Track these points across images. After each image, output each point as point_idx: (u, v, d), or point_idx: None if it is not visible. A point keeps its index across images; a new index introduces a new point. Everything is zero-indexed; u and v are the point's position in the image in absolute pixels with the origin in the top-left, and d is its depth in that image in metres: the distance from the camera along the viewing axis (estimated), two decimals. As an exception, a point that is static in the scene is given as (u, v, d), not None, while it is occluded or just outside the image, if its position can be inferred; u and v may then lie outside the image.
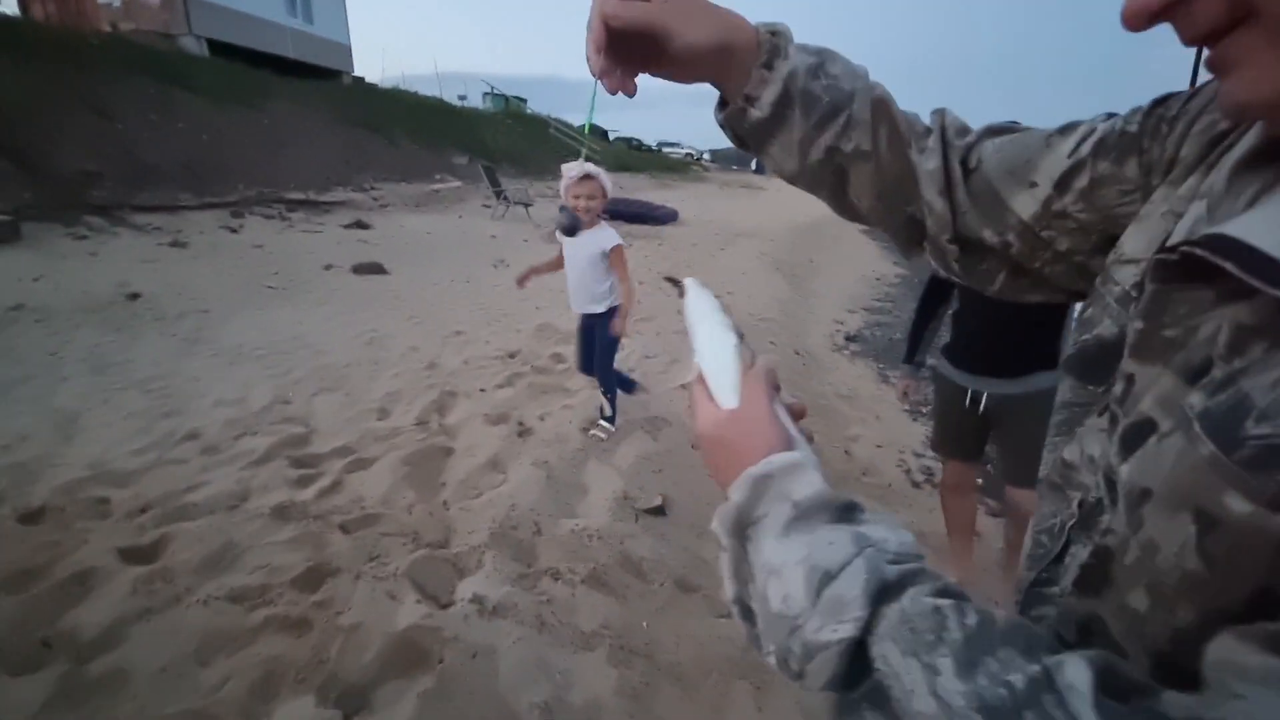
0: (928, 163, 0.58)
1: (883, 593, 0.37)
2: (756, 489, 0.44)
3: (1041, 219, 0.54)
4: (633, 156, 30.80)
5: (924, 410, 4.20)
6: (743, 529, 0.44)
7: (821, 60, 0.58)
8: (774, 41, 0.58)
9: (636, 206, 13.99)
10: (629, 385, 3.56)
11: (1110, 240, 0.50)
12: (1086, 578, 0.41)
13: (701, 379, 0.52)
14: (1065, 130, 0.54)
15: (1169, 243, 0.41)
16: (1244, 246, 0.32)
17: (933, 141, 0.58)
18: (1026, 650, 0.33)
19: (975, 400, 2.28)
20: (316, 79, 16.40)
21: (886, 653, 0.35)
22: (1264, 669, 0.27)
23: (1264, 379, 0.31)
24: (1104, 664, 0.31)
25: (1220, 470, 0.31)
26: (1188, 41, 0.34)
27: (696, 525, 2.70)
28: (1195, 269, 0.35)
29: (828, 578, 0.38)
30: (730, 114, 0.61)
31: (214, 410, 3.42)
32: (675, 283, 0.60)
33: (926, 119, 0.61)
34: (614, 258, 3.16)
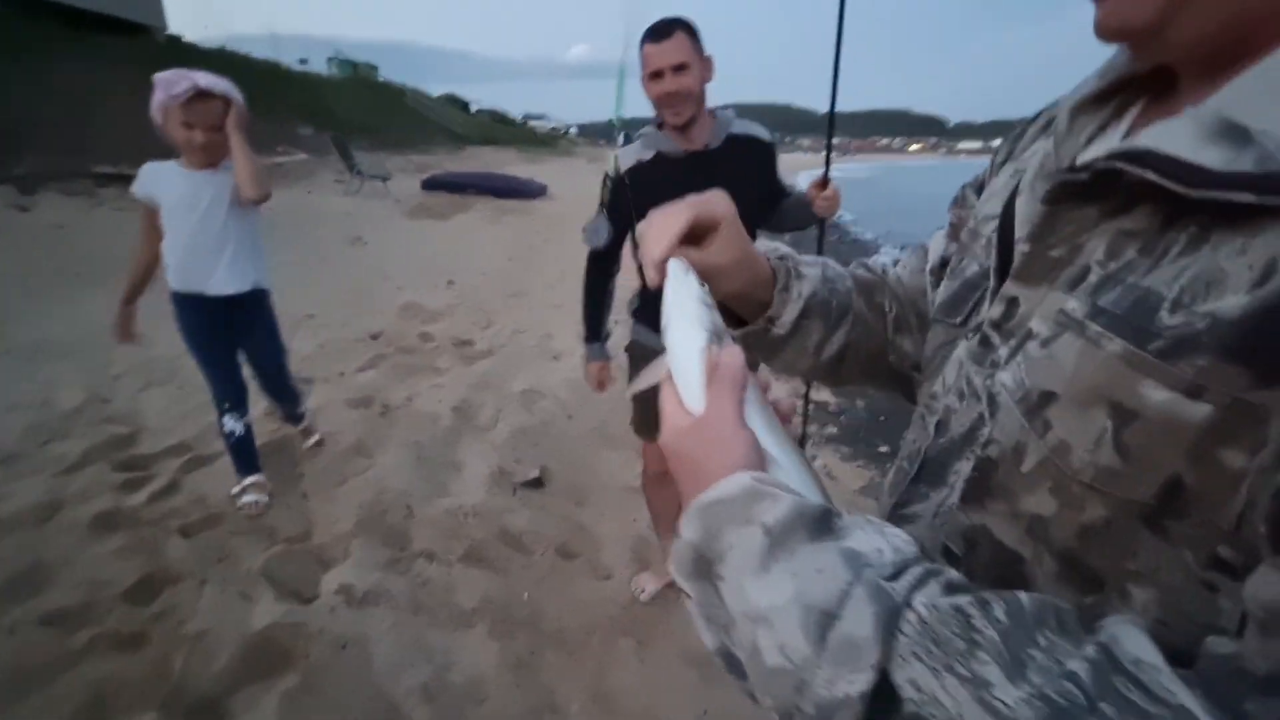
0: (902, 342, 0.65)
1: (894, 619, 0.31)
2: (710, 520, 0.38)
3: (937, 274, 0.63)
4: (498, 129, 29.79)
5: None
6: (708, 569, 0.38)
7: (824, 268, 0.63)
8: (786, 265, 0.61)
9: (503, 181, 13.60)
10: (294, 400, 2.65)
11: None
12: (971, 491, 0.43)
13: (670, 379, 0.46)
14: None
15: (1061, 166, 0.43)
16: (1164, 157, 0.33)
17: (889, 304, 0.66)
18: (1062, 628, 0.30)
19: None
20: (119, 34, 14.26)
21: (915, 677, 0.30)
22: None
23: (1164, 274, 0.33)
24: (1141, 624, 0.29)
25: (1135, 363, 0.33)
26: None
27: (575, 494, 2.71)
28: (1086, 188, 0.38)
29: (828, 619, 0.32)
30: (749, 333, 0.61)
31: (8, 416, 2.94)
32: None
33: None
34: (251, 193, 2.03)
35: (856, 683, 0.30)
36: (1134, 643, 0.28)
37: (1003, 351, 0.42)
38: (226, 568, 2.01)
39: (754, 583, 0.35)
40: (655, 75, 1.58)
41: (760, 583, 0.34)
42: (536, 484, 2.69)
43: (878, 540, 0.35)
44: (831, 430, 3.79)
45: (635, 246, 1.91)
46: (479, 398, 3.40)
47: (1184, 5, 0.33)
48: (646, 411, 1.98)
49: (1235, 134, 0.31)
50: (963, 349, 0.48)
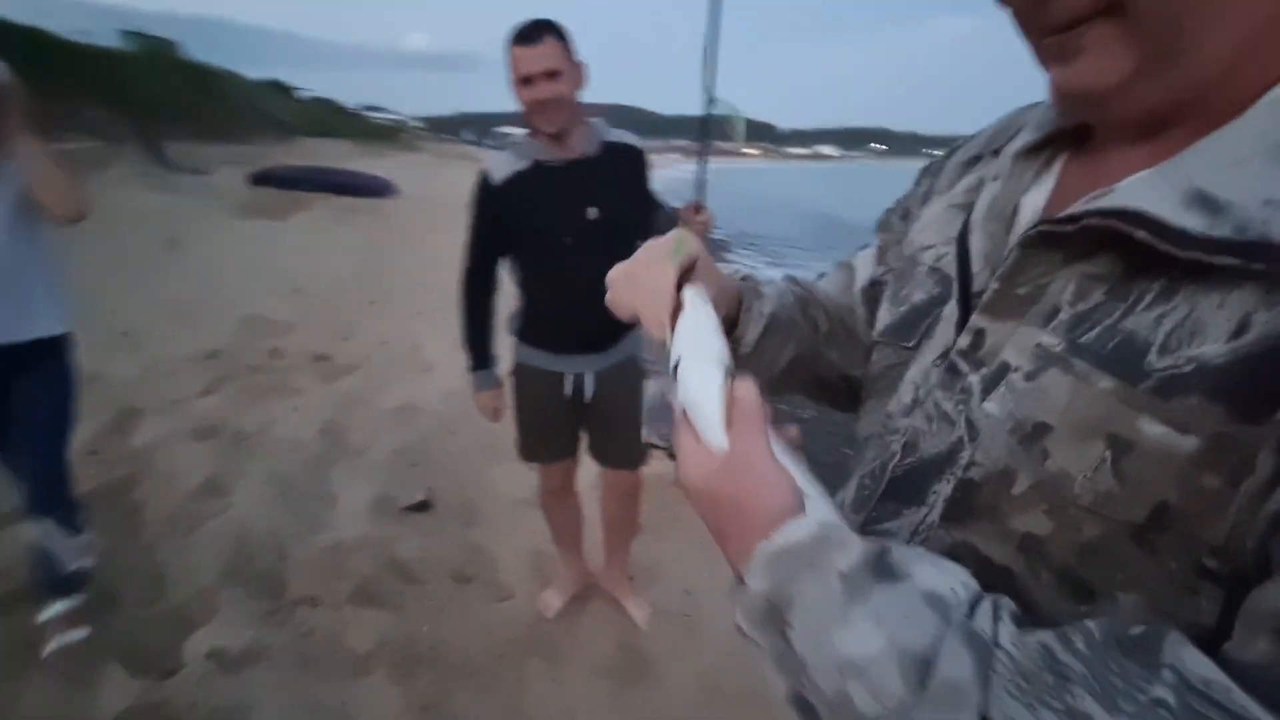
0: (832, 354, 0.70)
1: (988, 660, 0.33)
2: (781, 570, 0.38)
3: (865, 295, 0.68)
4: (333, 120, 27.53)
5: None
6: (779, 617, 0.38)
7: (779, 287, 0.67)
8: (749, 286, 0.64)
9: (346, 177, 12.63)
10: (72, 515, 1.73)
11: None
12: (953, 510, 0.45)
13: (687, 419, 0.44)
14: (863, 249, 0.71)
15: (1008, 209, 0.49)
16: (1153, 219, 0.36)
17: (821, 318, 0.69)
18: (1127, 653, 0.31)
19: (578, 385, 1.79)
20: None
21: (1011, 714, 0.31)
22: None
23: (1142, 320, 0.37)
24: (1188, 641, 0.31)
25: (1129, 400, 0.36)
26: (1045, 27, 0.39)
27: (465, 513, 2.59)
28: (1063, 237, 0.41)
29: (926, 665, 0.33)
30: None
31: None
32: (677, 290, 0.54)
33: None
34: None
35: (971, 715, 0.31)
36: (1196, 662, 0.30)
37: (973, 379, 0.45)
38: (58, 650, 1.69)
39: (840, 632, 0.35)
40: (526, 80, 1.51)
41: (846, 632, 0.35)
42: (423, 507, 2.54)
43: (946, 578, 0.36)
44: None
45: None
46: (347, 418, 3.15)
47: (1140, 78, 0.38)
48: (531, 435, 1.90)
49: (1208, 202, 0.35)
50: (919, 371, 0.51)
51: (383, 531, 2.33)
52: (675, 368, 0.47)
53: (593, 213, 1.60)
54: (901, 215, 0.66)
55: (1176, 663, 0.30)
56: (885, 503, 0.51)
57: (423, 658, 1.86)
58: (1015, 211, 0.48)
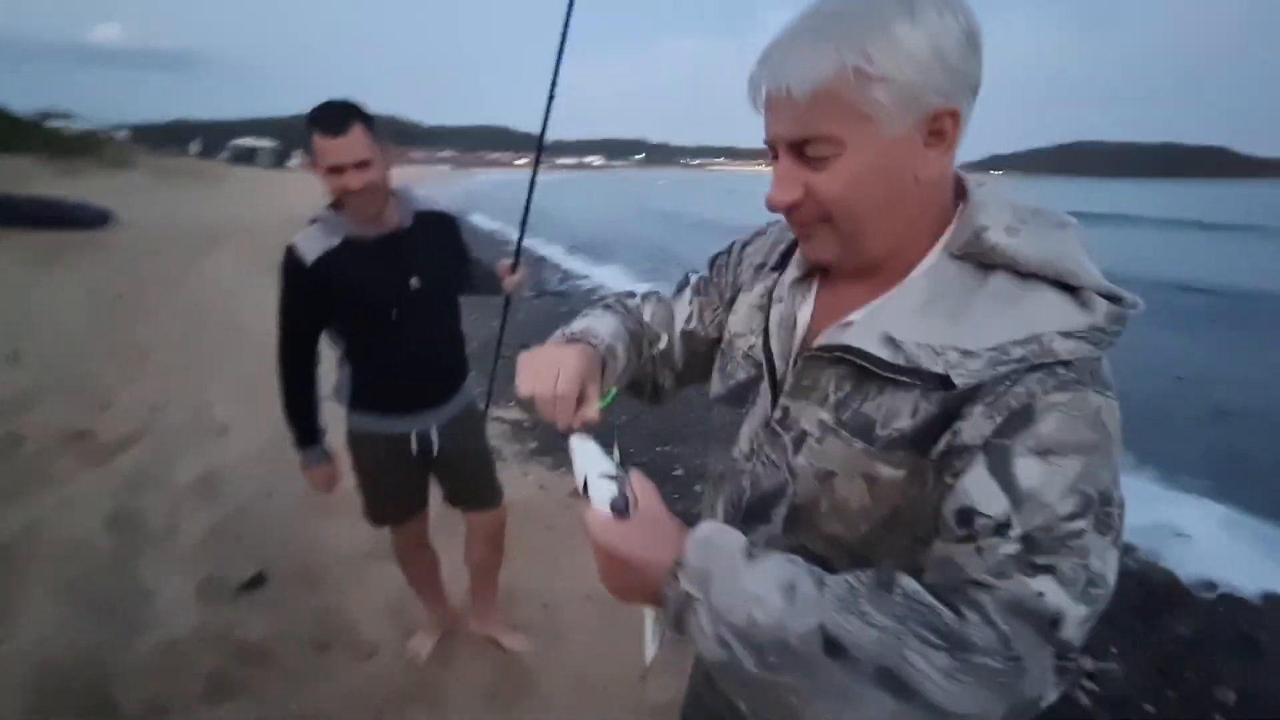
0: (663, 379, 0.93)
1: (822, 585, 0.56)
2: (702, 555, 0.59)
3: (684, 339, 0.92)
4: (5, 131, 21.72)
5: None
6: (705, 587, 0.57)
7: (616, 334, 0.84)
8: (601, 353, 0.79)
9: (43, 207, 10.37)
10: None
11: (719, 337, 0.90)
12: (788, 525, 0.71)
13: (596, 510, 0.63)
14: (681, 289, 0.94)
15: (813, 341, 0.69)
16: (866, 352, 0.62)
17: (647, 348, 0.91)
18: (880, 583, 0.56)
19: (424, 441, 1.82)
20: None
21: (834, 613, 0.54)
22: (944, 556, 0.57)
23: (870, 407, 0.63)
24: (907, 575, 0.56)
25: (870, 455, 0.62)
26: (794, 222, 0.65)
27: (307, 578, 2.50)
28: (823, 354, 0.66)
29: (792, 589, 0.55)
30: None
31: None
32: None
33: None
34: None
35: (816, 617, 0.54)
36: (909, 583, 0.55)
37: (786, 439, 0.70)
38: None
39: (744, 577, 0.56)
40: (334, 170, 1.49)
41: (747, 576, 0.56)
42: (258, 582, 2.41)
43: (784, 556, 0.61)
44: (532, 445, 4.12)
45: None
46: (137, 502, 2.80)
47: (844, 255, 0.68)
48: (381, 500, 1.91)
49: (892, 342, 0.65)
50: (750, 429, 0.78)
51: (220, 617, 2.19)
52: (584, 483, 0.66)
53: (415, 282, 1.65)
54: (716, 289, 0.90)
55: (901, 584, 0.59)
56: (747, 522, 0.78)
57: (296, 737, 1.83)
58: (795, 323, 0.75)
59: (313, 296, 1.62)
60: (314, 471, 1.79)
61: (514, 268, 1.96)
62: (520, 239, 2.19)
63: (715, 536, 0.61)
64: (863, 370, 0.64)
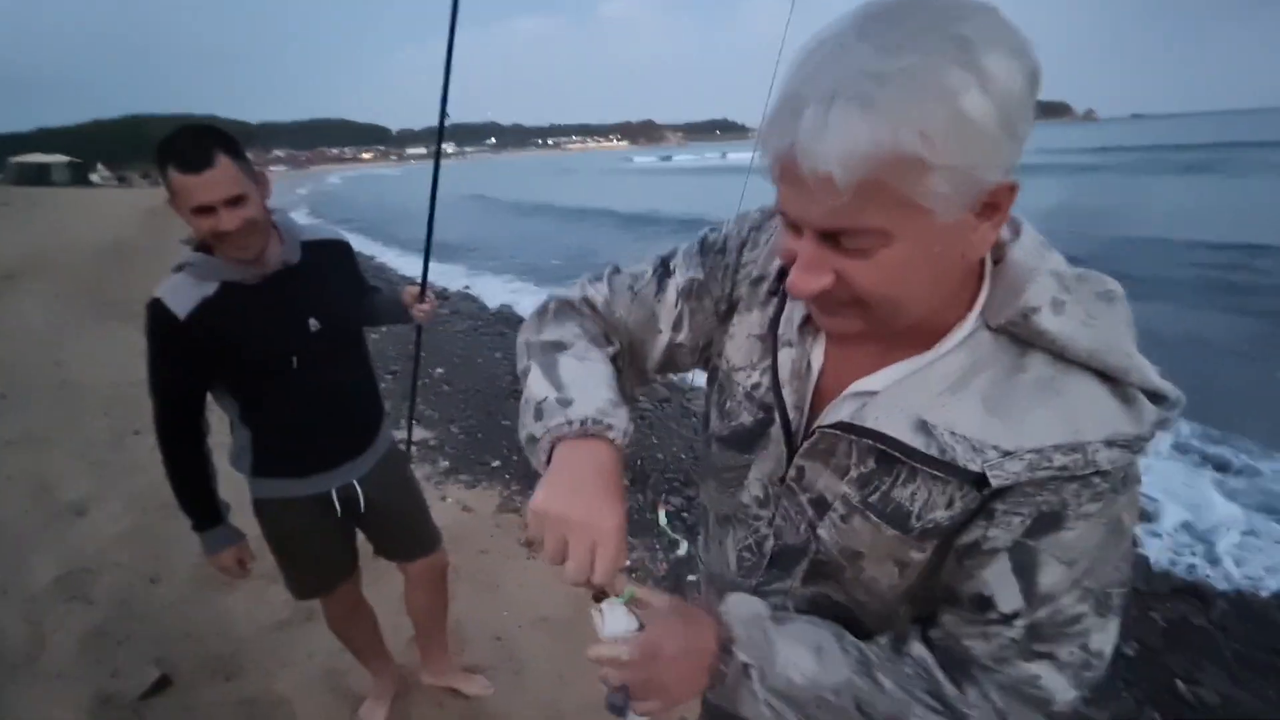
0: (631, 389, 0.82)
1: (848, 646, 0.66)
2: (747, 634, 0.65)
3: (668, 350, 0.79)
4: None
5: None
6: (757, 650, 0.65)
7: (617, 397, 0.72)
8: (617, 427, 0.68)
9: None
10: None
11: (709, 342, 0.78)
12: (810, 576, 0.71)
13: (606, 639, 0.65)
14: (662, 283, 0.78)
15: (827, 402, 0.65)
16: (895, 439, 0.59)
17: (615, 352, 0.78)
18: (894, 648, 0.64)
19: (348, 499, 1.64)
20: None
21: (849, 672, 0.63)
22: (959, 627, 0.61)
23: (902, 493, 0.60)
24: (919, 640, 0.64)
25: (906, 542, 0.61)
26: (815, 302, 0.57)
27: (222, 668, 2.21)
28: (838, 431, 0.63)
29: (820, 651, 0.64)
30: None
31: None
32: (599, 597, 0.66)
33: None
34: None
35: (845, 672, 0.63)
36: (917, 648, 0.62)
37: (803, 499, 0.68)
38: None
39: (778, 639, 0.65)
40: (203, 210, 1.27)
41: (781, 639, 0.66)
42: (163, 685, 2.10)
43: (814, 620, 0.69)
44: (444, 464, 3.91)
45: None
46: (-17, 619, 2.34)
47: (869, 328, 0.56)
48: (306, 571, 1.71)
49: (925, 427, 0.57)
50: (761, 473, 0.72)
51: (124, 738, 1.88)
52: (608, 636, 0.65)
53: (314, 324, 1.47)
54: (710, 296, 0.76)
55: (912, 652, 0.62)
56: (770, 570, 0.76)
57: None
58: (809, 369, 0.68)
59: (192, 356, 1.38)
60: (221, 556, 1.56)
61: (421, 294, 1.79)
62: (426, 262, 1.99)
63: (743, 607, 0.67)
64: (880, 447, 0.61)
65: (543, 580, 2.68)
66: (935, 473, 0.58)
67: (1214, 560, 3.06)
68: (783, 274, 0.72)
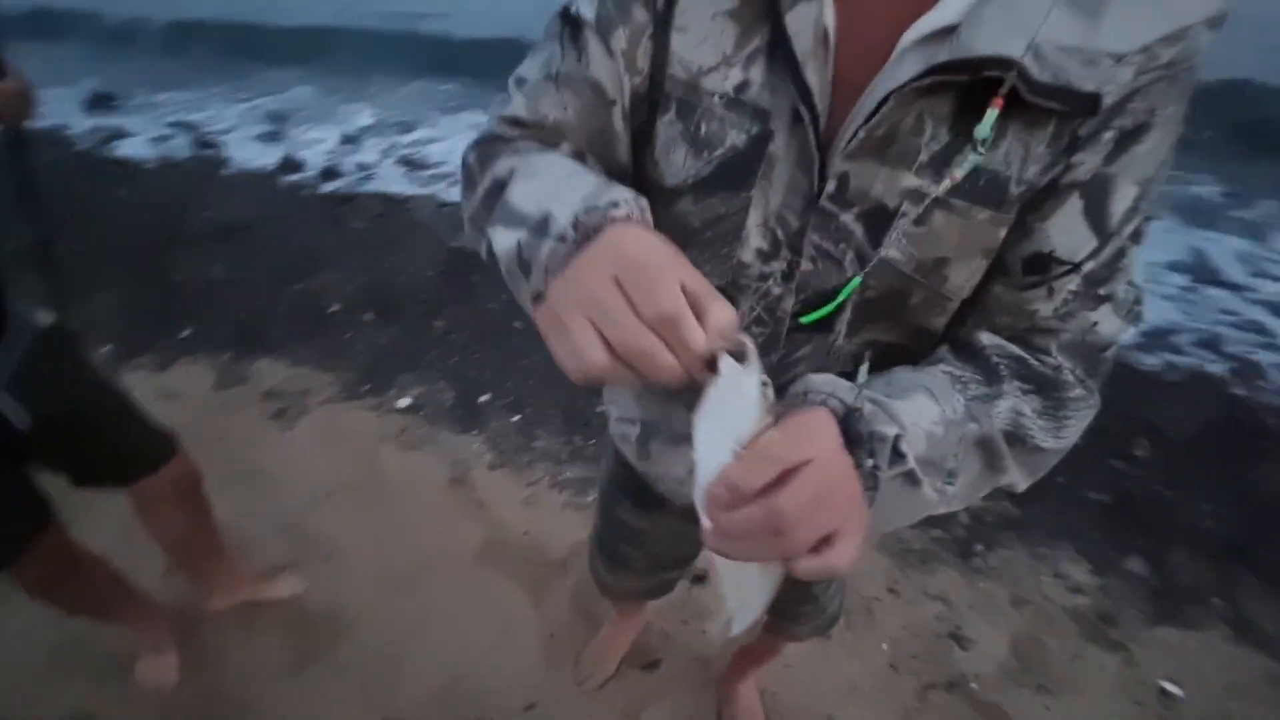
0: None
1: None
2: (861, 400, 0.48)
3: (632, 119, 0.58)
4: None
5: None
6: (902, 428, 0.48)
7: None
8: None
9: None
10: None
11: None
12: (858, 321, 0.57)
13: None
14: (580, 44, 0.56)
15: (863, 61, 0.48)
16: (1005, 60, 0.43)
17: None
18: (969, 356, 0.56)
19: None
20: None
21: (964, 400, 0.52)
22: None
23: (996, 159, 0.47)
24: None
25: (997, 222, 0.49)
26: None
27: None
28: (918, 83, 0.44)
29: (932, 395, 0.50)
30: None
31: None
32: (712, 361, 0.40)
33: None
34: None
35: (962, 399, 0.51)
36: (984, 338, 0.54)
37: (847, 218, 0.51)
38: None
39: (897, 403, 0.49)
40: None
41: (900, 400, 0.50)
42: None
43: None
44: (108, 349, 2.95)
45: None
46: None
47: None
48: None
49: (1035, 50, 0.43)
50: (765, 216, 0.54)
51: None
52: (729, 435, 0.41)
53: None
54: (636, 4, 0.53)
55: (980, 341, 0.55)
56: (794, 335, 0.59)
57: None
58: (827, 35, 0.48)
59: None
60: None
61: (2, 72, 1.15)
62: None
63: (826, 383, 0.50)
64: (969, 102, 0.45)
65: (314, 448, 2.29)
66: (1049, 105, 0.44)
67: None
68: None
